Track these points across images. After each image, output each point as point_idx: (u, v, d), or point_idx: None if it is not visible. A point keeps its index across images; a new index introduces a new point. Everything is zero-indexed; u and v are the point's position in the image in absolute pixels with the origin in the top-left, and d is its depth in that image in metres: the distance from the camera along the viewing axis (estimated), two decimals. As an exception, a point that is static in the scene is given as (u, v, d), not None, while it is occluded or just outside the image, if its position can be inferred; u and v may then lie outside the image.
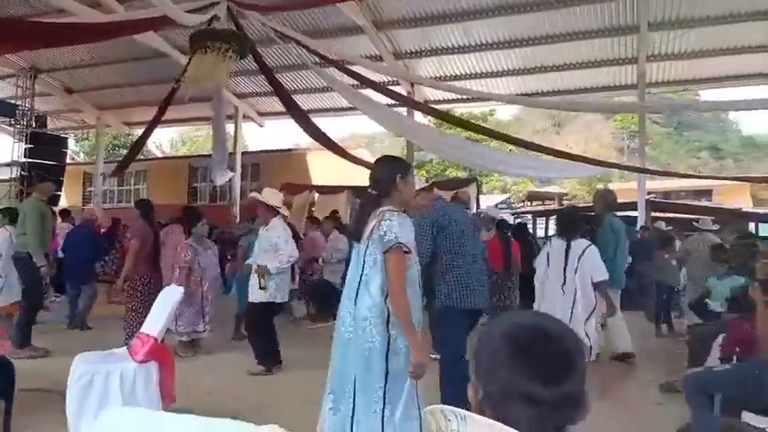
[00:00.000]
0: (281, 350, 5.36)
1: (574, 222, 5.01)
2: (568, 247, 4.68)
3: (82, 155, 29.77)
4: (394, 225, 2.53)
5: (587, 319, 4.60)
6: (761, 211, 17.03)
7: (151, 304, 3.88)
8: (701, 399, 3.16)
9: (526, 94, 13.01)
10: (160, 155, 30.78)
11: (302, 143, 23.04)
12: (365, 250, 2.61)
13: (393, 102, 11.28)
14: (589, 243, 4.76)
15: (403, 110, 12.09)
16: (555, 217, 16.15)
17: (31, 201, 6.18)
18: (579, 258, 4.61)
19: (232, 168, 14.19)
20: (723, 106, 9.96)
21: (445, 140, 10.95)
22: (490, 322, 1.22)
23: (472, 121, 18.27)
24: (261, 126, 16.81)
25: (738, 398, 3.00)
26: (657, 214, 13.05)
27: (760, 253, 6.75)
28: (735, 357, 3.70)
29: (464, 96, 13.47)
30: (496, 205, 16.37)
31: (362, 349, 2.54)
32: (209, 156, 13.35)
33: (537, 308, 4.67)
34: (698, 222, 8.85)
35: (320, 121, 11.56)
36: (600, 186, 26.16)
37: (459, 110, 19.58)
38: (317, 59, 10.33)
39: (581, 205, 19.52)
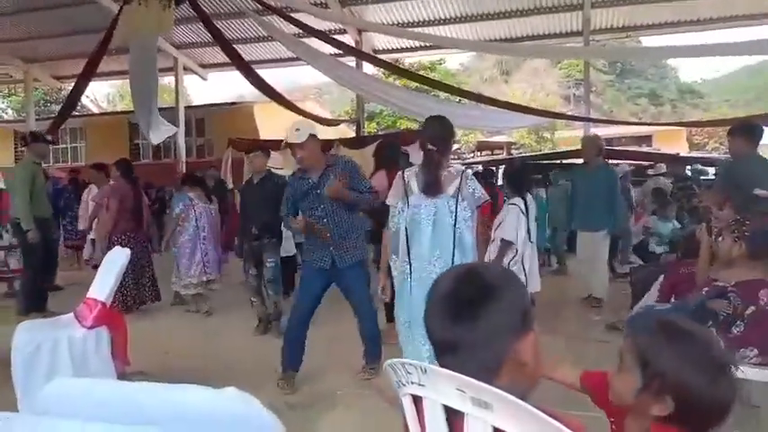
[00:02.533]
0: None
1: (528, 179, 5.03)
2: (526, 203, 4.69)
3: (11, 112, 27.89)
4: (477, 184, 2.87)
5: None
6: (696, 155, 17.82)
7: (136, 261, 3.76)
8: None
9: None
10: (97, 110, 29.10)
11: (248, 96, 22.29)
12: (455, 205, 2.82)
13: (339, 52, 10.97)
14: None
15: (351, 60, 11.79)
16: (505, 172, 16.30)
17: (25, 163, 5.80)
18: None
19: (173, 123, 13.58)
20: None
21: (392, 93, 10.77)
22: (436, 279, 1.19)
23: (420, 71, 18.11)
24: (204, 79, 16.12)
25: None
26: (601, 161, 13.40)
27: (697, 195, 7.11)
28: (672, 298, 3.90)
29: (413, 44, 13.23)
30: (447, 156, 16.42)
31: None
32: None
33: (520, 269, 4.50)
34: (652, 168, 9.20)
35: (265, 73, 11.16)
36: (547, 135, 26.62)
37: (408, 60, 19.31)
38: (259, 7, 9.86)
39: (528, 154, 19.91)
